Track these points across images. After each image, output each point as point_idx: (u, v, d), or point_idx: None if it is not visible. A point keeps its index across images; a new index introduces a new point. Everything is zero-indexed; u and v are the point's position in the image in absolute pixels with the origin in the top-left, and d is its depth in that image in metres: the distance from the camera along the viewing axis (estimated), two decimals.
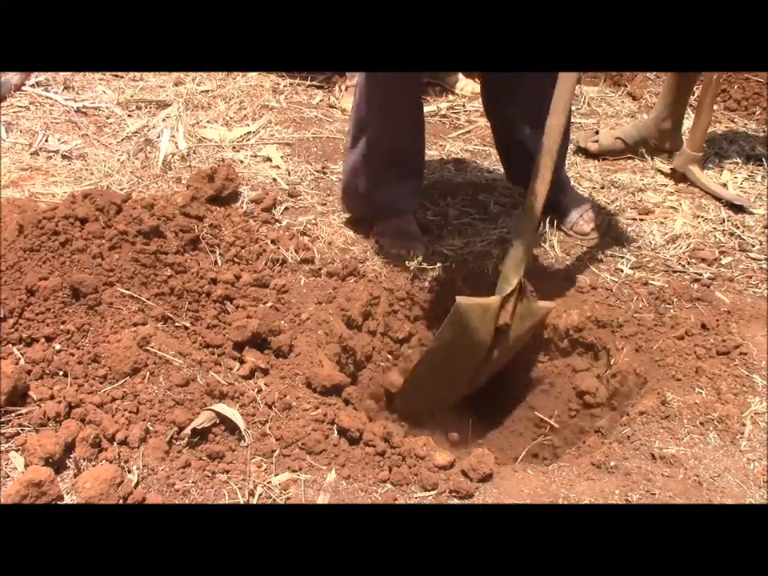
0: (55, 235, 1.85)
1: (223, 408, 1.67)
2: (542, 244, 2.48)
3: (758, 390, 1.90)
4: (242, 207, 2.42)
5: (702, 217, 2.62)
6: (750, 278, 2.34)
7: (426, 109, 3.22)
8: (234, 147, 2.82)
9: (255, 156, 2.79)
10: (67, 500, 1.46)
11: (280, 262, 2.25)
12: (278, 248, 2.28)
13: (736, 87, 3.27)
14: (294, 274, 2.24)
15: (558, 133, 1.92)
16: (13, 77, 3.01)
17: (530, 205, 1.93)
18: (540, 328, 2.26)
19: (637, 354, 2.12)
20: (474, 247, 2.45)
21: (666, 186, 2.80)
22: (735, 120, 3.22)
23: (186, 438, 1.61)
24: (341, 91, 3.32)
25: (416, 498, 1.62)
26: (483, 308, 1.97)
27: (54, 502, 1.43)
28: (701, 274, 2.34)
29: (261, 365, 1.88)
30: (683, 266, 2.39)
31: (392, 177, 2.37)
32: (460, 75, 3.45)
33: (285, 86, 3.34)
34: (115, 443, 1.57)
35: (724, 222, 2.59)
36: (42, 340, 1.73)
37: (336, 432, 1.73)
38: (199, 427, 1.63)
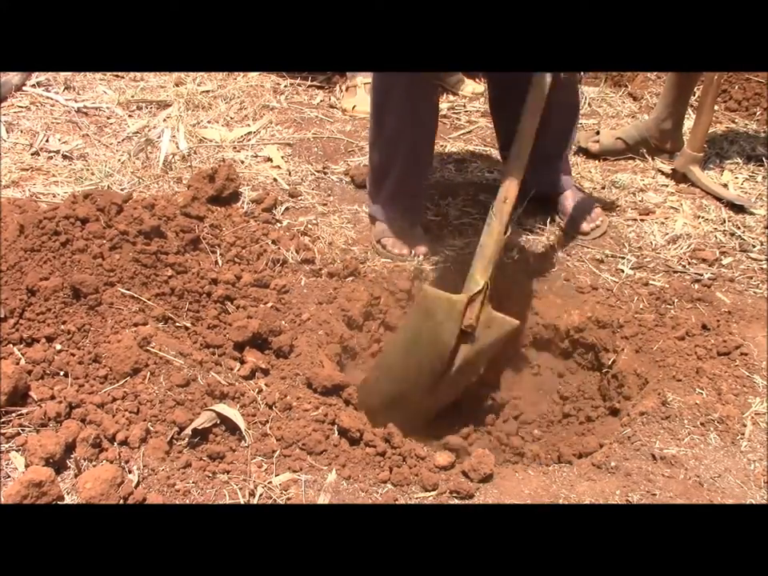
0: (56, 235, 1.85)
1: (224, 408, 1.67)
2: (543, 244, 2.48)
3: (759, 390, 1.90)
4: (243, 207, 2.42)
5: (702, 217, 2.62)
6: (751, 278, 2.34)
7: None
8: (234, 147, 2.81)
9: (256, 156, 2.78)
10: (68, 500, 1.46)
11: (281, 262, 2.25)
12: (279, 248, 2.28)
13: (737, 88, 3.26)
14: (294, 275, 2.24)
15: (529, 137, 1.88)
16: (13, 77, 3.01)
17: (499, 208, 1.90)
18: (505, 345, 2.12)
19: (637, 354, 2.11)
20: (475, 247, 2.44)
21: (667, 186, 2.79)
22: (736, 120, 3.21)
23: (187, 439, 1.61)
24: (341, 91, 3.32)
25: (416, 498, 1.62)
26: (450, 303, 1.91)
27: (54, 503, 1.43)
28: (701, 275, 2.34)
29: (261, 365, 1.88)
30: (684, 266, 2.38)
31: (409, 187, 2.38)
32: (461, 75, 3.45)
33: (285, 86, 3.34)
34: (116, 443, 1.57)
35: (725, 222, 2.59)
36: (43, 340, 1.73)
37: (337, 432, 1.73)
38: (200, 427, 1.63)
